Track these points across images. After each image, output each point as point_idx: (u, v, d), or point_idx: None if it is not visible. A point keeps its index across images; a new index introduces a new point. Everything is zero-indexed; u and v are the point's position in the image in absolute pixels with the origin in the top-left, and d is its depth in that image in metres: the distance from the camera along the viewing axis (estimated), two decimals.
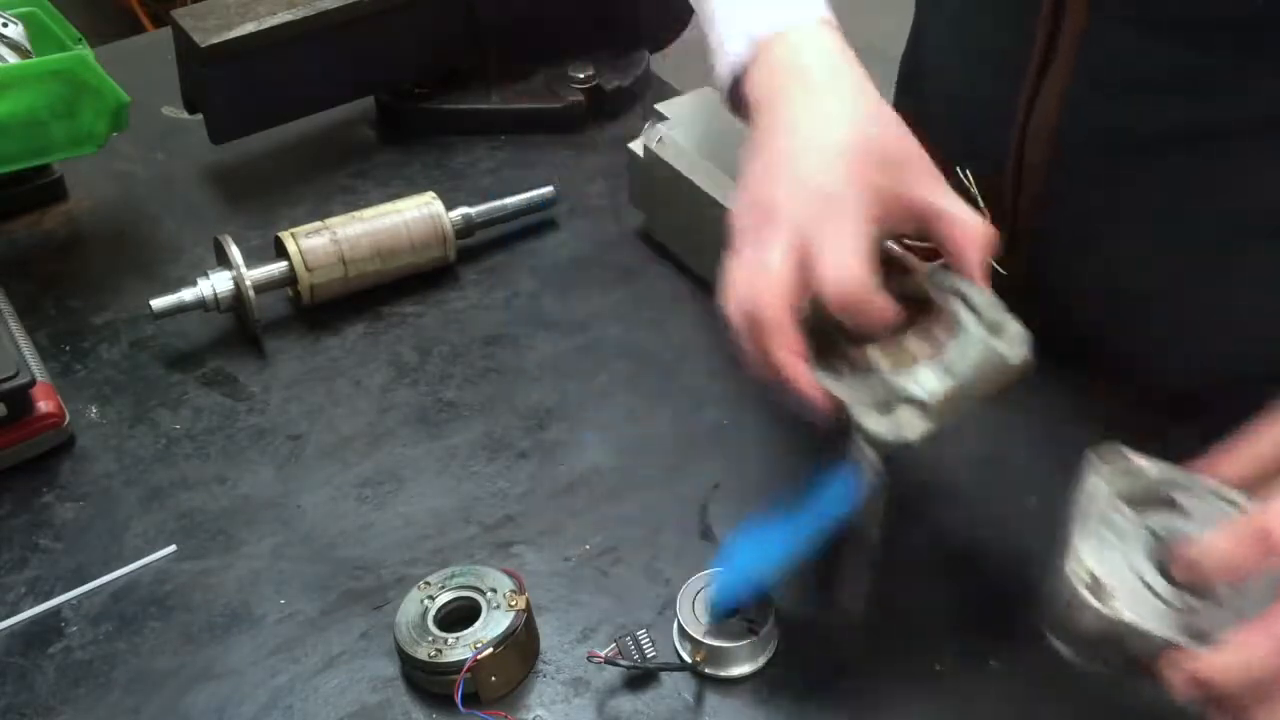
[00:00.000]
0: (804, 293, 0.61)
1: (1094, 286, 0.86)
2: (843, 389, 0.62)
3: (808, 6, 0.68)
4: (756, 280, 0.61)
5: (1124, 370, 0.86)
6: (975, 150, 0.84)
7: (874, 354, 0.63)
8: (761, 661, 0.73)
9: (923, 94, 0.99)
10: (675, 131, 0.96)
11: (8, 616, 0.76)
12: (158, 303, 0.91)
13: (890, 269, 0.64)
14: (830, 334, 0.64)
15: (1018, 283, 0.71)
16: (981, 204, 0.80)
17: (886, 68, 1.12)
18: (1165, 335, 0.86)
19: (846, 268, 0.59)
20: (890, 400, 0.61)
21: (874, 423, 0.60)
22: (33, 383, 0.83)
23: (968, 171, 0.82)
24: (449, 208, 0.99)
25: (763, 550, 0.68)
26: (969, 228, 0.63)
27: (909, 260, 0.66)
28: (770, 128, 0.66)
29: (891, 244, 0.66)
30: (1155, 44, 0.76)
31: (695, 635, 0.71)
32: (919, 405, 0.61)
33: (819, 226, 0.60)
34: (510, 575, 0.73)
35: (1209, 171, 0.78)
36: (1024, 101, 0.84)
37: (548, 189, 1.04)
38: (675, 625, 0.73)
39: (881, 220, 0.62)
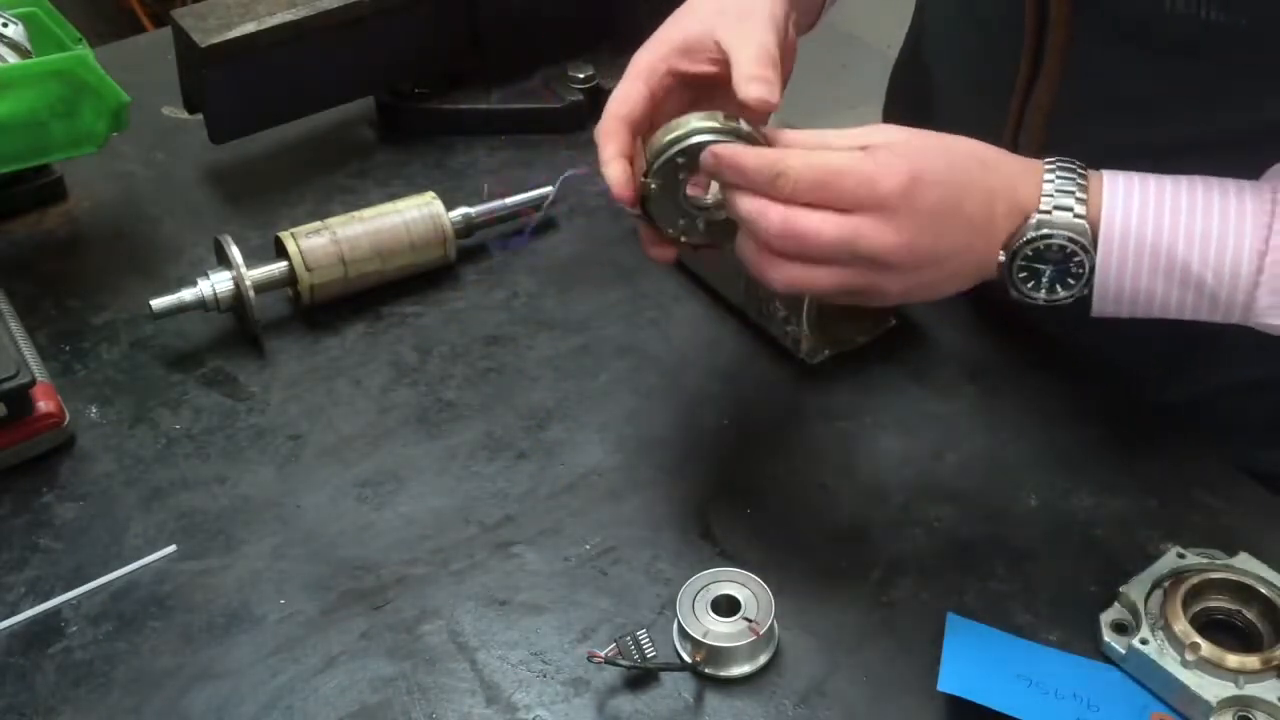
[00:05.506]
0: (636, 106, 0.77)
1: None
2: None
3: None
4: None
5: (1117, 375, 0.86)
6: None
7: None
8: (761, 661, 0.73)
9: (921, 105, 0.99)
10: None
11: (8, 616, 0.76)
12: (158, 303, 0.91)
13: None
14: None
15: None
16: None
17: (887, 68, 1.12)
18: (1163, 349, 0.86)
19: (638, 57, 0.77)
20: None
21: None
22: (33, 383, 0.83)
23: None
24: (449, 208, 0.99)
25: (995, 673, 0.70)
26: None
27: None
28: None
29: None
30: (1136, 61, 0.79)
31: (695, 635, 0.72)
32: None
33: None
34: None
35: None
36: (1011, 118, 0.85)
37: (548, 189, 1.04)
38: (675, 625, 0.73)
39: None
